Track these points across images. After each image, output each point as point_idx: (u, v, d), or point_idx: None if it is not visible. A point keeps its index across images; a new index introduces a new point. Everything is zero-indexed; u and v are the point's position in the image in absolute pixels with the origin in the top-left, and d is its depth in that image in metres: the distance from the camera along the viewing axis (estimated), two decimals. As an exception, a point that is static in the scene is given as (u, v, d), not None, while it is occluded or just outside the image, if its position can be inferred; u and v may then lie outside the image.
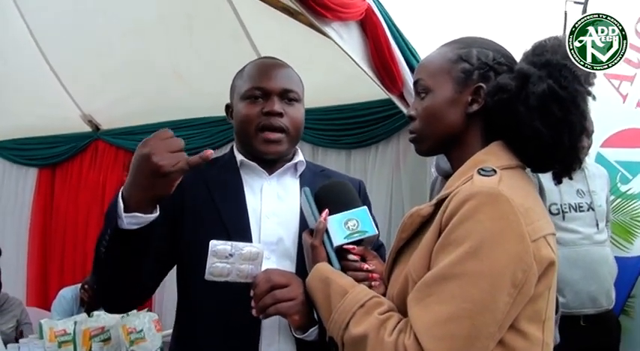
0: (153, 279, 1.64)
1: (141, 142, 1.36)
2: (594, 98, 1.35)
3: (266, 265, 1.53)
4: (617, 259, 3.35)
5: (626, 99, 3.77)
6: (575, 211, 3.00)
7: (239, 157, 1.74)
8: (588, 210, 3.04)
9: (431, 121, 1.40)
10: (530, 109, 1.29)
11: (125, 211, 1.36)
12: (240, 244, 1.46)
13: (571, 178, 1.42)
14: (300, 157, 1.78)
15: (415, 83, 1.46)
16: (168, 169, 1.32)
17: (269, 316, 1.46)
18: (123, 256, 1.43)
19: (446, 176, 2.97)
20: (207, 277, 1.45)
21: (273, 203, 1.70)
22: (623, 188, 3.69)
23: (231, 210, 1.65)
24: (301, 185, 1.73)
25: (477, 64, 1.37)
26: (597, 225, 3.04)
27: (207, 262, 1.44)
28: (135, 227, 1.37)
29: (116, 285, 1.53)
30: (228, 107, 1.81)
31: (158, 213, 1.41)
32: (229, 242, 1.45)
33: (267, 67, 1.73)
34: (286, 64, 1.77)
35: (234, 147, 1.79)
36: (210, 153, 1.37)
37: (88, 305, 4.11)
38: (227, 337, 1.58)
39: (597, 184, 3.15)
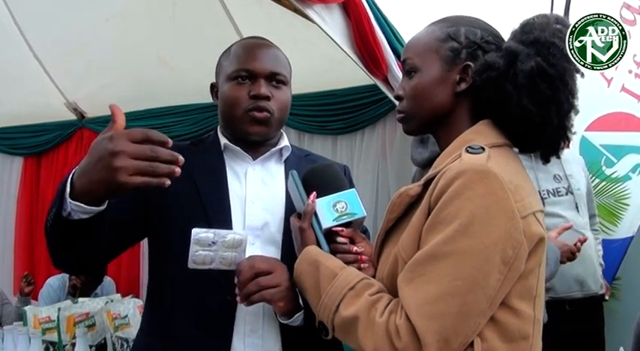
0: (111, 248, 1.60)
1: (110, 131, 1.24)
2: (582, 75, 1.35)
3: (250, 251, 1.52)
4: (603, 241, 3.37)
5: (611, 83, 3.79)
6: (554, 195, 3.00)
7: (223, 140, 1.72)
8: (567, 194, 3.04)
9: (419, 100, 1.40)
10: (519, 87, 1.29)
11: (72, 197, 1.27)
12: (223, 232, 1.45)
13: (559, 157, 1.42)
14: (285, 141, 1.76)
15: (403, 62, 1.46)
16: (125, 178, 1.18)
17: (253, 303, 1.45)
18: (67, 239, 1.39)
19: (420, 166, 2.98)
20: (190, 265, 1.44)
21: (258, 188, 1.68)
22: (607, 171, 3.72)
23: (213, 195, 1.63)
24: (286, 170, 1.72)
25: (465, 43, 1.37)
26: (577, 208, 3.04)
27: (189, 251, 1.43)
28: (77, 218, 1.30)
29: (65, 254, 1.50)
30: (213, 87, 1.78)
31: (104, 207, 1.32)
32: (212, 230, 1.44)
33: (254, 47, 1.70)
34: (274, 44, 1.75)
35: (218, 129, 1.77)
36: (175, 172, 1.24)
37: (80, 291, 4.10)
38: (200, 322, 1.57)
39: (574, 169, 3.15)
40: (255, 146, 1.70)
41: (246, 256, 1.49)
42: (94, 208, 1.29)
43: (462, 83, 1.36)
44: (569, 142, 1.40)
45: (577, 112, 1.36)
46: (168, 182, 1.22)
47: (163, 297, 1.66)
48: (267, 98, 1.64)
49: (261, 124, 1.65)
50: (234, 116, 1.66)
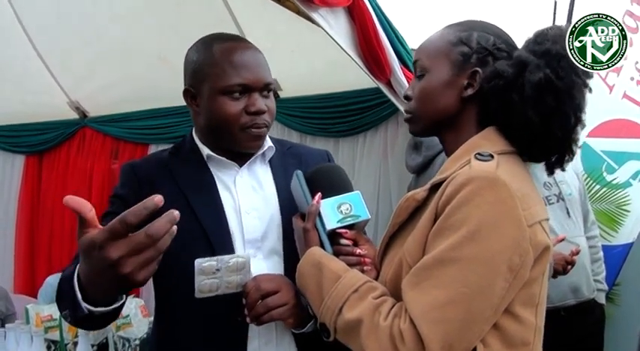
0: None
1: (82, 234, 1.02)
2: (590, 90, 1.35)
3: (253, 263, 1.51)
4: (603, 247, 3.37)
5: (613, 90, 3.79)
6: (545, 204, 2.98)
7: (205, 150, 1.64)
8: (558, 201, 3.03)
9: (425, 102, 1.41)
10: (525, 97, 1.29)
11: (85, 300, 1.15)
12: (226, 258, 1.45)
13: (563, 170, 1.42)
14: (268, 143, 1.69)
15: (414, 63, 1.47)
16: (141, 277, 1.00)
17: (263, 324, 1.46)
18: (92, 326, 1.38)
19: (414, 172, 2.98)
20: (197, 295, 1.43)
21: (250, 197, 1.64)
22: (608, 178, 3.72)
23: (208, 210, 1.58)
24: (272, 171, 1.69)
25: (476, 48, 1.37)
26: (569, 213, 3.04)
27: (195, 281, 1.42)
28: (98, 314, 1.18)
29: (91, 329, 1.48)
30: (187, 92, 1.66)
31: (124, 300, 1.25)
32: (214, 258, 1.43)
33: (242, 54, 1.60)
34: (254, 46, 1.67)
35: (195, 137, 1.69)
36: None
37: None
38: (213, 345, 1.56)
39: (566, 174, 3.09)
40: (241, 153, 1.65)
41: (252, 273, 1.48)
42: (115, 305, 1.19)
43: (469, 88, 1.37)
44: (573, 155, 1.39)
45: (584, 126, 1.35)
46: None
47: (172, 320, 1.63)
48: (264, 112, 1.59)
49: (258, 139, 1.61)
50: (229, 133, 1.58)
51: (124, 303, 1.27)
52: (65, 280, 1.24)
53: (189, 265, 1.42)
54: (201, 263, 1.41)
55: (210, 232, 1.56)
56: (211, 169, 1.65)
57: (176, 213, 0.98)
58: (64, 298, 1.26)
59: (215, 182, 1.63)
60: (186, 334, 1.58)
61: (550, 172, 1.43)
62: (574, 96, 1.30)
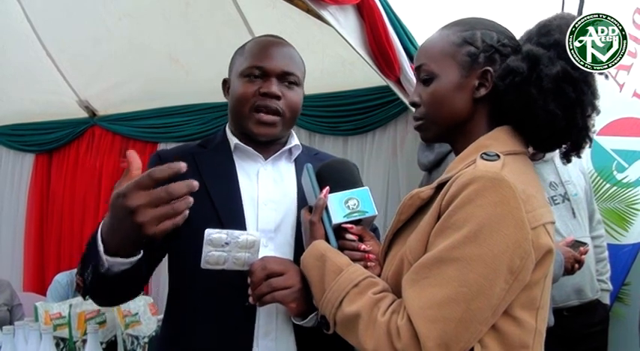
0: (145, 272, 1.57)
1: (120, 186, 1.19)
2: (606, 77, 1.36)
3: (264, 253, 1.51)
4: (612, 246, 3.36)
5: (623, 88, 3.77)
6: (550, 204, 2.97)
7: (233, 140, 1.69)
8: (563, 201, 3.02)
9: (438, 107, 1.38)
10: (544, 91, 1.28)
11: (106, 253, 1.27)
12: (236, 233, 1.44)
13: (580, 157, 1.42)
14: (295, 141, 1.75)
15: (417, 68, 1.43)
16: (152, 230, 1.16)
17: (266, 304, 1.45)
18: (109, 290, 1.43)
19: (426, 169, 2.97)
20: (204, 265, 1.43)
21: (270, 189, 1.67)
22: (619, 176, 3.70)
23: (225, 197, 1.61)
24: (297, 170, 1.71)
25: (482, 47, 1.35)
26: (574, 213, 3.03)
27: (202, 251, 1.41)
28: (117, 270, 1.31)
29: (107, 300, 1.60)
30: (225, 82, 1.76)
31: (142, 254, 1.34)
32: (225, 230, 1.43)
33: (269, 45, 1.68)
34: (289, 44, 1.73)
35: (227, 128, 1.75)
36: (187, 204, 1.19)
37: (84, 290, 4.08)
38: (221, 326, 1.56)
39: (571, 173, 3.13)
40: (266, 145, 1.69)
41: (260, 255, 1.48)
42: (132, 259, 1.30)
43: (481, 89, 1.35)
44: (591, 142, 1.39)
45: (598, 112, 1.35)
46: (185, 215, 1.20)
47: (183, 306, 1.64)
48: (278, 97, 1.62)
49: (268, 126, 1.64)
50: (241, 113, 1.64)
51: (140, 268, 1.36)
52: (90, 238, 1.33)
53: (200, 251, 1.43)
54: (210, 234, 1.42)
55: (223, 218, 1.58)
56: (236, 160, 1.69)
57: (195, 183, 1.17)
58: (87, 253, 1.34)
59: (236, 172, 1.66)
60: (195, 319, 1.59)
61: (567, 160, 1.42)
62: (590, 84, 1.31)
